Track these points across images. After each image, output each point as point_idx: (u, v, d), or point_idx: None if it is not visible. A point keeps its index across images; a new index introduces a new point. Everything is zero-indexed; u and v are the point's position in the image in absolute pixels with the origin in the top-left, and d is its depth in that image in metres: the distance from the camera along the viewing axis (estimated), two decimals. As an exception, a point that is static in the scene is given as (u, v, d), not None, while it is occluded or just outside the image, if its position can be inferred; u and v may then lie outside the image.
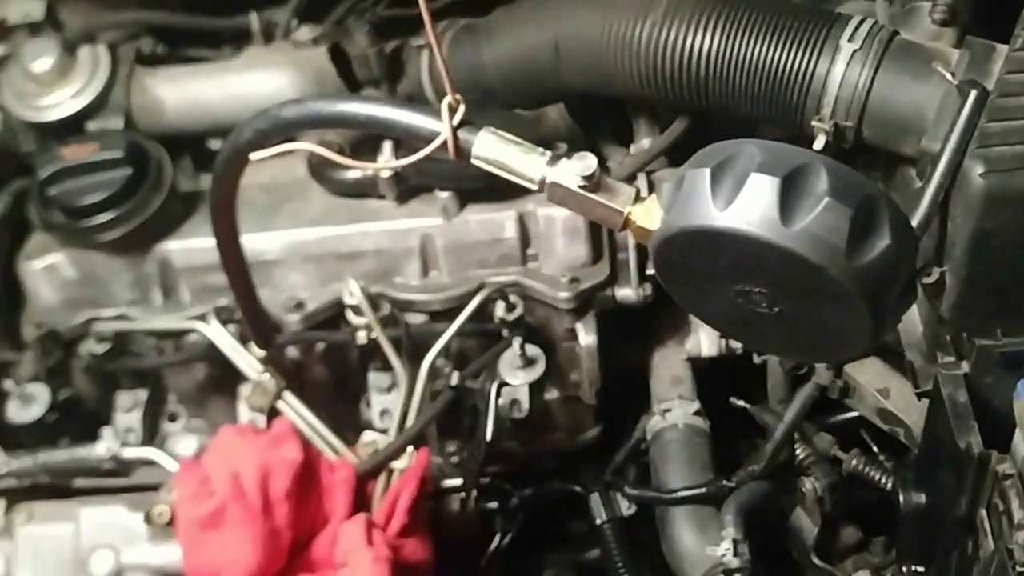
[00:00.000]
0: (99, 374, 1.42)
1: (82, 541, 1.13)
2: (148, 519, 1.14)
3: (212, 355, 1.38)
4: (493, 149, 0.78)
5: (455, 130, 0.77)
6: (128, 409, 1.42)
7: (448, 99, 0.77)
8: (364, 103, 0.80)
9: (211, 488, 1.13)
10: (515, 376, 1.27)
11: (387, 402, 1.39)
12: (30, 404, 1.30)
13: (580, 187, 0.75)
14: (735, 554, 1.16)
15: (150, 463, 1.21)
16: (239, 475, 1.13)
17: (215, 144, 1.53)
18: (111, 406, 1.43)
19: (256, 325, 1.21)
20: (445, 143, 0.78)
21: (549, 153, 0.77)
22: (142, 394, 1.43)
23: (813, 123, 1.22)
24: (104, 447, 1.17)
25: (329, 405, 1.41)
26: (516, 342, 1.25)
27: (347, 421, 1.41)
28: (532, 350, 1.27)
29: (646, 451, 1.47)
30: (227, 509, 1.11)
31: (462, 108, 0.77)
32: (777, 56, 1.23)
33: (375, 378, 1.40)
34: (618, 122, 1.55)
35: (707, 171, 0.70)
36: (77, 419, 1.40)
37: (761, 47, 1.24)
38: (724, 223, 0.68)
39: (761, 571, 1.19)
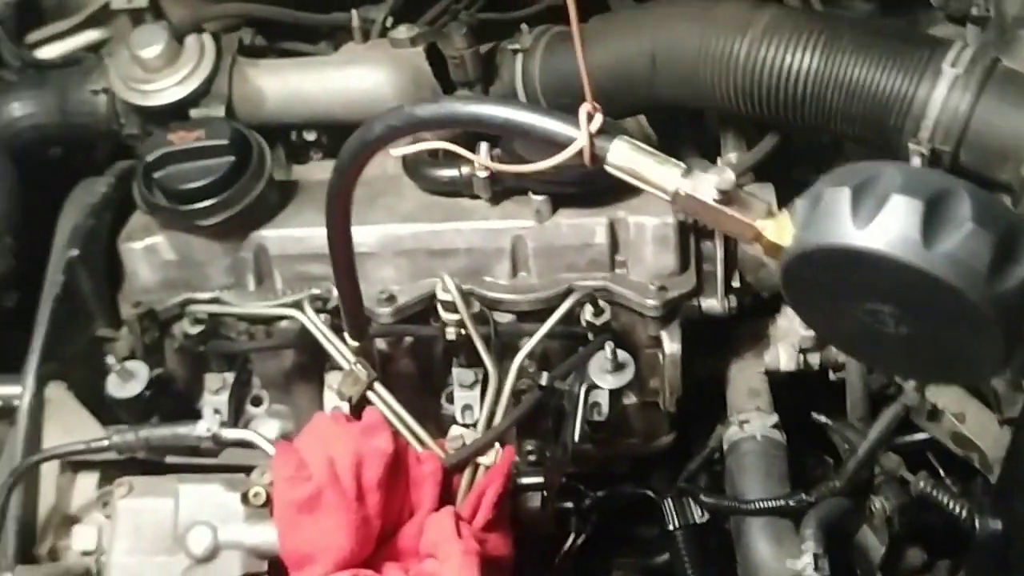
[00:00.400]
0: (190, 355, 1.46)
1: (180, 517, 1.16)
2: (245, 499, 1.16)
3: (302, 342, 1.41)
4: (627, 158, 0.80)
5: (592, 137, 0.79)
6: (216, 391, 1.46)
7: (586, 106, 0.79)
8: (502, 106, 0.82)
9: (307, 473, 1.16)
10: (604, 379, 1.29)
11: (470, 398, 1.42)
12: (129, 380, 1.33)
13: (715, 200, 0.77)
14: (815, 568, 1.18)
15: (246, 445, 1.23)
16: (334, 461, 1.15)
17: (310, 136, 1.57)
18: (199, 386, 1.48)
19: (354, 317, 1.23)
20: (581, 149, 0.80)
21: (683, 165, 0.79)
22: (229, 377, 1.47)
23: (909, 145, 1.24)
24: (204, 427, 1.20)
25: (410, 397, 1.43)
26: (608, 346, 1.27)
27: (427, 414, 1.44)
28: (622, 355, 1.29)
29: (719, 460, 1.49)
30: (323, 494, 1.13)
31: (599, 116, 0.79)
32: (877, 78, 1.25)
33: (459, 373, 1.42)
34: (697, 134, 1.57)
35: (847, 190, 0.72)
36: (167, 397, 1.44)
37: (861, 68, 1.26)
38: (863, 243, 0.70)
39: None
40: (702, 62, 1.36)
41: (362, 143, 0.92)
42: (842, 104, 1.27)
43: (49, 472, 1.28)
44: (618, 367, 1.29)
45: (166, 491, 1.18)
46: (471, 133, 1.31)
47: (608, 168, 0.80)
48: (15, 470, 1.21)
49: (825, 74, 1.27)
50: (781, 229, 0.76)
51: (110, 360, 1.34)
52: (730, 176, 0.75)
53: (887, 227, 0.70)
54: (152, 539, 1.16)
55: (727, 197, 0.76)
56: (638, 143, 0.80)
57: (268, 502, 1.18)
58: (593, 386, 1.28)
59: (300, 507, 1.14)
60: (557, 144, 0.81)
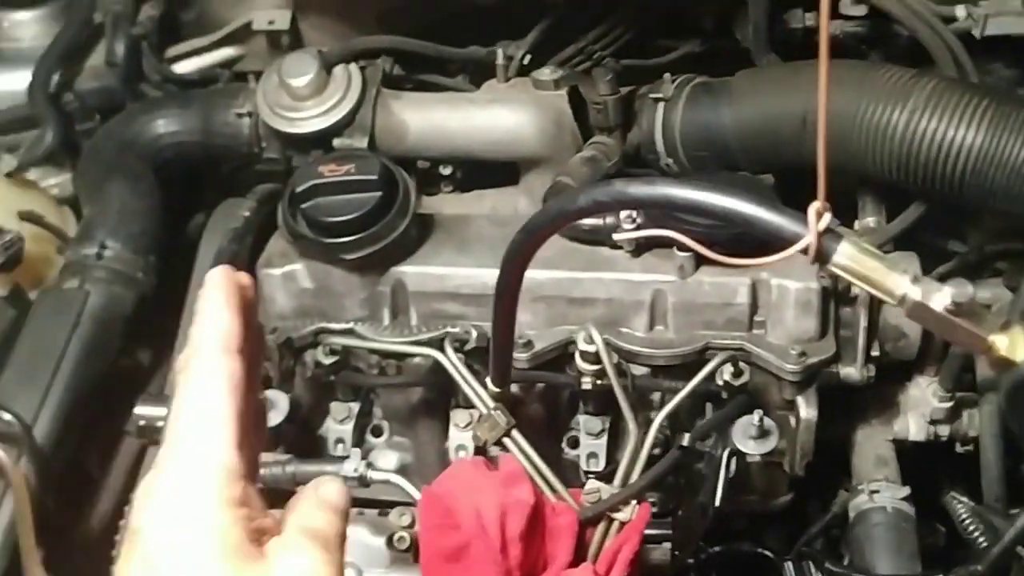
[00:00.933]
0: (318, 384, 1.46)
1: (325, 556, 1.17)
2: (389, 543, 1.17)
3: (433, 380, 1.42)
4: (854, 260, 0.80)
5: (820, 236, 0.79)
6: (341, 420, 1.46)
7: (816, 204, 0.79)
8: (723, 195, 0.82)
9: (454, 521, 1.16)
10: (747, 445, 1.28)
11: (596, 446, 1.42)
12: (271, 410, 1.34)
13: (947, 310, 0.76)
14: (954, 653, 1.17)
15: (390, 485, 1.24)
16: (481, 512, 1.16)
17: (445, 170, 1.58)
18: (322, 413, 1.48)
19: (503, 366, 1.24)
20: (806, 248, 0.80)
21: (911, 270, 0.79)
22: (355, 407, 1.47)
23: (1075, 231, 1.22)
24: (352, 467, 1.21)
25: (534, 443, 1.44)
26: (757, 415, 1.27)
27: (547, 458, 1.44)
28: (768, 423, 1.28)
29: (836, 525, 1.48)
30: (471, 545, 1.14)
31: (828, 215, 0.79)
32: (1043, 160, 1.24)
33: (587, 421, 1.42)
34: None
35: (1100, 319, 0.71)
36: (293, 423, 1.45)
37: (1026, 147, 1.24)
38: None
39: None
40: (857, 128, 1.35)
41: (561, 212, 0.92)
42: (1005, 182, 1.26)
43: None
44: (762, 434, 1.28)
45: (311, 529, 1.19)
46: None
47: (832, 268, 0.80)
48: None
49: (989, 151, 1.26)
50: (1015, 345, 0.75)
51: (254, 389, 1.34)
52: (968, 290, 0.75)
53: None
54: (295, 576, 1.17)
55: (959, 309, 0.76)
56: (865, 245, 0.80)
57: (412, 547, 1.19)
58: (736, 451, 1.27)
59: (448, 557, 1.15)
60: (781, 240, 0.81)
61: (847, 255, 0.80)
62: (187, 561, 0.66)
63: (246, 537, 0.68)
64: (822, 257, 0.80)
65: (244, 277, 0.79)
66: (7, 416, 1.23)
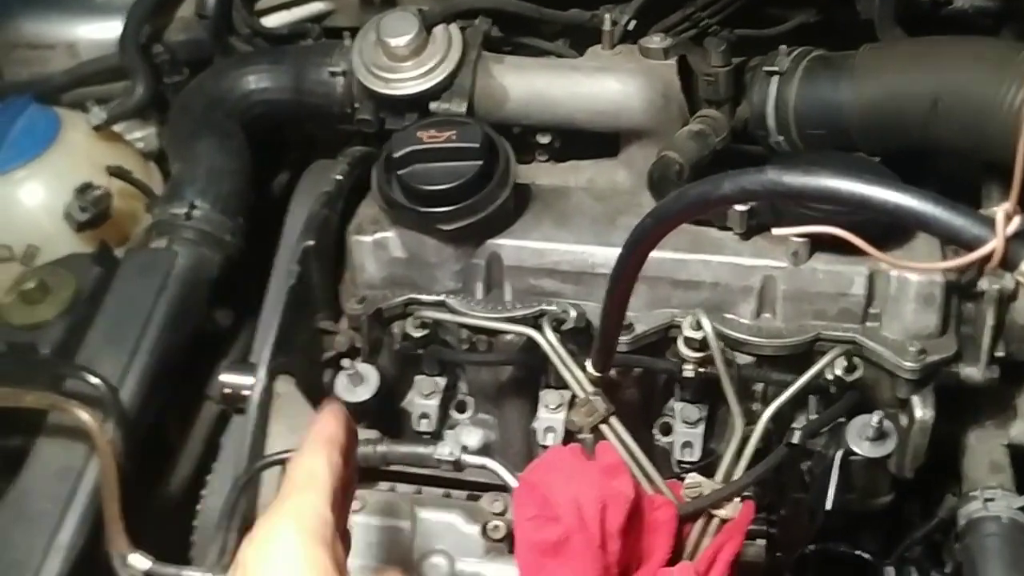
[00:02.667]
0: (404, 356, 1.41)
1: (416, 541, 1.13)
2: (483, 532, 1.12)
3: (523, 358, 1.36)
4: (1044, 268, 0.72)
5: (1008, 241, 0.71)
6: (427, 395, 1.42)
7: (1006, 206, 0.71)
8: (897, 191, 0.74)
9: (551, 512, 1.11)
10: (861, 447, 1.22)
11: (692, 435, 1.36)
12: (359, 384, 1.30)
13: None
14: None
15: (485, 470, 1.19)
16: (581, 505, 1.11)
17: (543, 138, 1.51)
18: (406, 385, 1.44)
19: (607, 350, 1.18)
20: (991, 252, 0.72)
21: (1105, 285, 0.71)
22: (441, 381, 1.42)
23: None
24: (447, 450, 1.16)
25: (628, 426, 1.38)
26: (876, 416, 1.20)
27: (639, 444, 1.38)
28: (887, 425, 1.21)
29: (939, 531, 1.41)
30: (571, 539, 1.09)
31: (1017, 219, 0.71)
32: None
33: (684, 409, 1.36)
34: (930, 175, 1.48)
35: None
36: (377, 396, 1.40)
37: None
38: None
39: None
40: (995, 112, 1.26)
41: (704, 198, 0.85)
42: None
43: (271, 470, 1.24)
44: (880, 436, 1.22)
45: (403, 513, 1.15)
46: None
47: (1018, 276, 0.73)
48: (248, 471, 1.18)
49: None
50: None
51: (344, 363, 1.30)
52: None
53: None
54: (387, 560, 1.13)
55: None
56: (1056, 254, 0.72)
57: (507, 537, 1.14)
58: (850, 452, 1.21)
59: (546, 550, 1.09)
60: (960, 242, 0.73)
61: (1036, 263, 0.72)
62: None
63: (336, 572, 0.78)
64: (1008, 263, 0.72)
65: (350, 423, 0.93)
66: (94, 379, 1.19)
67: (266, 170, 1.63)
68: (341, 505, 0.86)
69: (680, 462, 1.38)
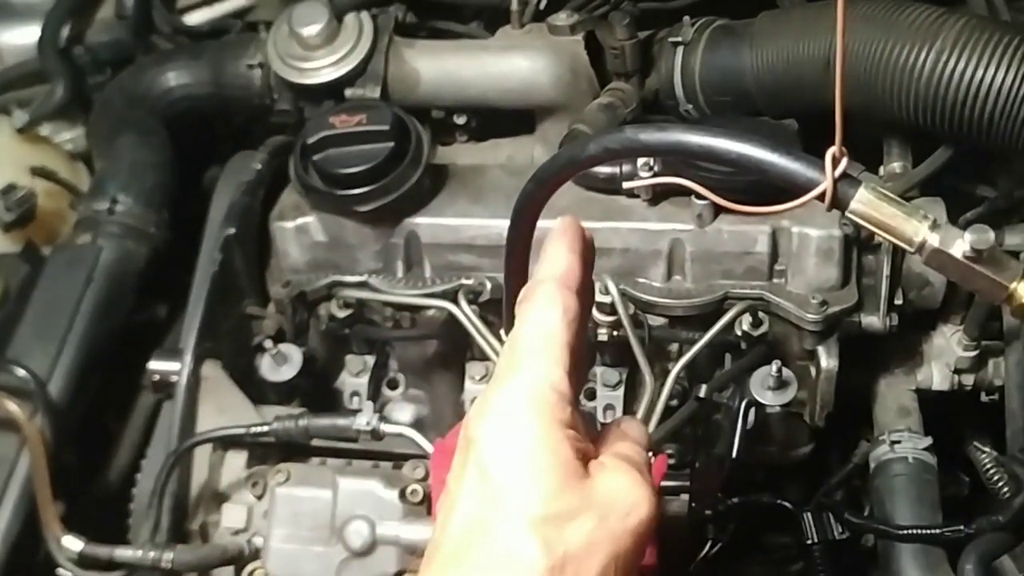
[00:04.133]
0: (333, 336, 1.46)
1: (338, 509, 1.17)
2: (402, 496, 1.17)
3: (448, 332, 1.40)
4: (872, 206, 0.77)
5: (836, 182, 0.76)
6: (356, 373, 1.46)
7: (834, 149, 0.76)
8: (736, 140, 0.79)
9: (466, 474, 1.15)
10: (764, 396, 1.27)
11: (612, 398, 1.41)
12: (283, 364, 1.34)
13: (966, 256, 0.74)
14: (976, 605, 1.15)
15: (403, 439, 1.23)
16: (493, 464, 1.15)
17: (459, 119, 1.55)
18: (337, 366, 1.48)
19: (514, 314, 1.22)
20: (822, 194, 0.77)
21: (931, 217, 0.76)
22: (370, 360, 1.47)
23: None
24: (364, 420, 1.20)
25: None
26: (775, 365, 1.25)
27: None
28: (786, 373, 1.26)
29: (858, 476, 1.46)
30: (484, 497, 1.13)
31: (845, 160, 0.76)
32: (1079, 98, 1.19)
33: (604, 373, 1.40)
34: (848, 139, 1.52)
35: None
36: (309, 377, 1.44)
37: (1061, 86, 1.20)
38: None
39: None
40: (882, 71, 1.31)
41: (572, 160, 0.89)
42: (1035, 123, 1.21)
43: (201, 450, 1.29)
44: (781, 384, 1.26)
45: (324, 481, 1.19)
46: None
47: (850, 215, 0.77)
48: (176, 450, 1.22)
49: (1019, 91, 1.22)
50: (1036, 293, 0.72)
51: (267, 343, 1.34)
52: (989, 236, 0.72)
53: None
54: (310, 528, 1.17)
55: (979, 256, 0.73)
56: (884, 191, 0.77)
57: (425, 500, 1.18)
58: (754, 402, 1.25)
59: (460, 509, 1.14)
60: (796, 186, 0.78)
61: (865, 201, 0.77)
62: (521, 472, 0.69)
63: (573, 456, 0.71)
64: (839, 204, 0.77)
65: (588, 233, 0.85)
66: (21, 372, 1.23)
67: (198, 165, 1.66)
68: (577, 369, 0.75)
69: (604, 425, 1.42)
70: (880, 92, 1.33)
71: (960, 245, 0.74)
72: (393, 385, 1.51)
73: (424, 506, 1.17)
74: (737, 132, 0.81)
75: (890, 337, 1.43)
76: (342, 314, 1.41)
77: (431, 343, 1.45)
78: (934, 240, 0.75)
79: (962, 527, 1.24)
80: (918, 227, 0.76)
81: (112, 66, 1.62)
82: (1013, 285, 0.73)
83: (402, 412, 1.50)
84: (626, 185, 0.89)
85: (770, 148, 0.79)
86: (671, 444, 1.43)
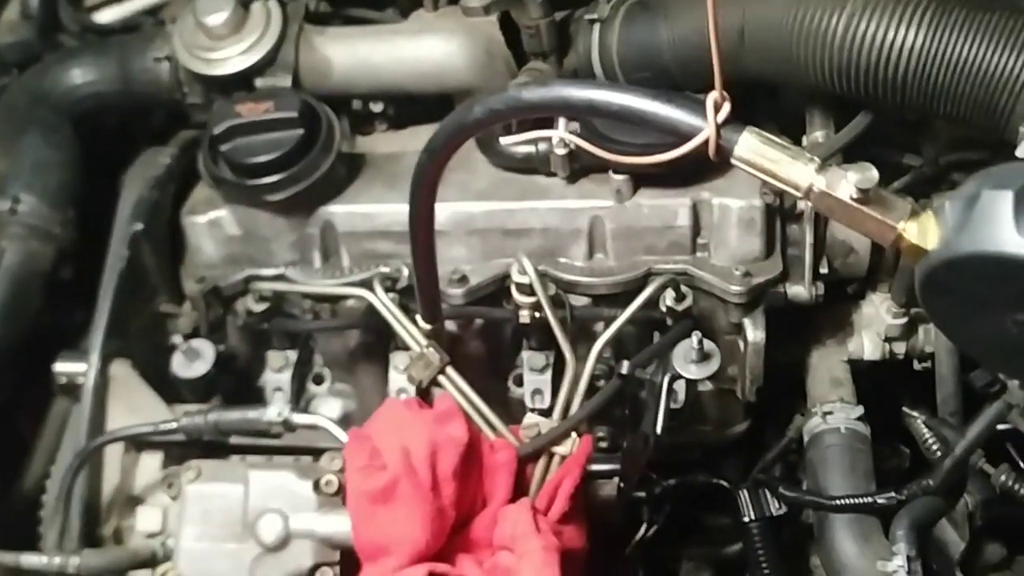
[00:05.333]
0: (253, 332, 1.42)
1: (251, 503, 1.13)
2: (317, 487, 1.13)
3: (368, 322, 1.37)
4: (756, 151, 0.74)
5: (719, 128, 0.74)
6: (278, 369, 1.42)
7: (714, 94, 0.73)
8: (619, 92, 0.76)
9: (381, 462, 1.12)
10: (688, 370, 1.24)
11: (540, 382, 1.38)
12: (195, 360, 1.30)
13: (853, 198, 0.71)
14: (908, 572, 1.13)
15: (316, 430, 1.20)
16: (409, 451, 1.12)
17: (376, 107, 1.52)
18: (260, 364, 1.44)
19: (429, 299, 1.19)
20: (706, 141, 0.74)
21: (817, 159, 0.74)
22: (292, 355, 1.43)
23: (1020, 129, 1.17)
24: (275, 411, 1.17)
25: (477, 380, 1.39)
26: (695, 336, 1.22)
27: (493, 397, 1.39)
28: (708, 345, 1.24)
29: (794, 451, 1.44)
30: (398, 485, 1.10)
31: (727, 106, 0.73)
32: (987, 56, 1.18)
33: (530, 357, 1.38)
34: (774, 109, 1.51)
35: (1010, 193, 0.66)
36: (229, 375, 1.41)
37: (970, 46, 1.18)
38: (1027, 252, 0.64)
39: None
40: (795, 37, 1.29)
41: (459, 125, 0.87)
42: (948, 83, 1.19)
43: (113, 452, 1.25)
44: (703, 357, 1.24)
45: (236, 476, 1.16)
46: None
47: (735, 162, 0.75)
48: (82, 451, 1.18)
49: (931, 51, 1.20)
50: (924, 231, 0.70)
51: (176, 339, 1.30)
52: (873, 174, 0.69)
53: (1057, 235, 0.64)
54: (221, 525, 1.14)
55: (866, 196, 0.71)
56: (769, 135, 0.74)
57: (340, 491, 1.15)
58: (676, 376, 1.23)
59: (375, 498, 1.11)
60: (679, 135, 0.75)
61: (749, 146, 0.75)
62: None
63: None
64: (723, 150, 0.74)
65: None
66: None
67: (117, 167, 1.62)
68: None
69: (533, 410, 1.39)
70: (797, 60, 1.31)
71: (846, 187, 0.72)
72: (319, 380, 1.48)
73: (339, 497, 1.13)
74: (622, 86, 0.78)
75: (819, 309, 1.41)
76: (259, 308, 1.37)
77: (353, 335, 1.42)
78: (820, 183, 0.73)
79: (894, 493, 1.22)
80: (804, 169, 0.73)
81: (19, 67, 1.57)
82: (901, 225, 0.71)
83: (329, 407, 1.47)
84: (503, 140, 0.86)
85: (651, 97, 0.76)
86: (602, 427, 1.41)
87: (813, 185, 0.73)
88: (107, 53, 1.51)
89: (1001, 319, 0.70)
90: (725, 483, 1.42)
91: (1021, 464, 1.41)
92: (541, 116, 0.82)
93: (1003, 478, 1.30)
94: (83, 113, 1.50)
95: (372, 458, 1.12)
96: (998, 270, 0.67)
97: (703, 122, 0.75)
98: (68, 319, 1.45)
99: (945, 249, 0.69)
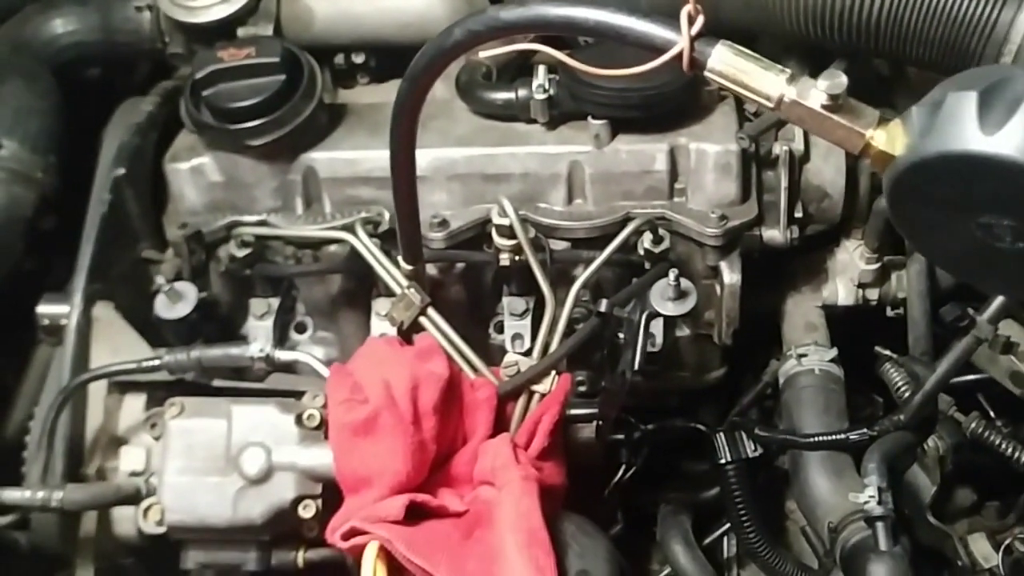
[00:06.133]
0: (236, 278, 1.43)
1: (233, 438, 1.15)
2: (299, 421, 1.14)
3: (350, 267, 1.38)
4: (729, 63, 0.76)
5: (693, 40, 0.75)
6: (260, 315, 1.43)
7: (688, 7, 0.75)
8: (595, 9, 0.78)
9: (362, 395, 1.14)
10: (665, 307, 1.26)
11: (520, 327, 1.39)
12: (178, 301, 1.31)
13: (823, 107, 0.73)
14: (879, 502, 1.15)
15: (297, 367, 1.21)
16: (390, 385, 1.13)
17: (358, 58, 1.53)
18: (243, 311, 1.45)
19: (410, 238, 1.20)
20: (680, 54, 0.76)
21: (788, 70, 0.75)
22: (275, 302, 1.44)
23: (991, 72, 1.19)
24: (257, 347, 1.18)
25: (458, 326, 1.40)
26: (672, 273, 1.24)
27: (475, 343, 1.41)
28: (684, 283, 1.26)
29: (771, 395, 1.46)
30: (379, 418, 1.11)
31: (701, 18, 0.75)
32: (959, 0, 1.20)
33: (510, 302, 1.39)
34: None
35: (974, 94, 0.68)
36: (212, 322, 1.41)
37: (942, -10, 1.20)
38: (991, 149, 0.66)
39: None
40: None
41: (439, 49, 0.88)
42: (919, 27, 1.22)
43: (97, 393, 1.26)
44: (680, 295, 1.26)
45: (219, 412, 1.17)
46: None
47: (708, 75, 0.76)
48: (65, 388, 1.19)
49: (903, -7, 1.22)
50: (892, 138, 0.72)
51: (159, 281, 1.31)
52: (843, 80, 0.71)
53: (1018, 133, 0.66)
54: (205, 459, 1.15)
55: (836, 104, 0.72)
56: (741, 48, 0.76)
57: (322, 424, 1.16)
58: (654, 314, 1.25)
59: (356, 430, 1.12)
60: (654, 49, 0.77)
61: (722, 58, 0.76)
62: None
63: None
64: (696, 63, 0.76)
65: None
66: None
67: (99, 119, 1.62)
68: None
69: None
70: (770, 7, 1.33)
71: (816, 95, 0.73)
72: (301, 328, 1.49)
73: (322, 431, 1.15)
74: (597, 4, 0.80)
75: (794, 256, 1.43)
76: (242, 253, 1.38)
77: (335, 281, 1.43)
78: (791, 93, 0.75)
79: (866, 430, 1.24)
80: (775, 80, 0.75)
81: (1, 20, 1.57)
82: (869, 132, 0.73)
83: (313, 354, 1.47)
84: (482, 55, 0.87)
85: (626, 14, 0.78)
86: (581, 372, 1.42)
87: (784, 95, 0.75)
88: (88, 3, 1.51)
89: (966, 223, 0.72)
90: (702, 427, 1.44)
91: (991, 412, 1.44)
92: (519, 44, 0.82)
93: (973, 425, 1.33)
94: (65, 63, 1.50)
95: (353, 392, 1.14)
96: (963, 170, 0.69)
97: (677, 36, 0.76)
98: (52, 272, 1.46)
99: (911, 153, 0.71)
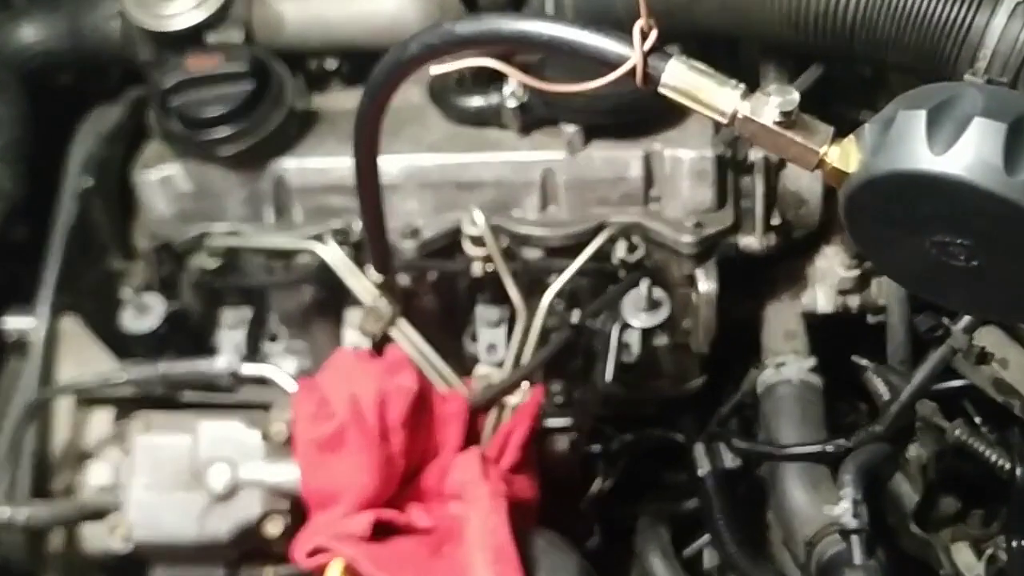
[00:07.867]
0: (206, 289, 1.41)
1: (199, 453, 1.13)
2: (266, 436, 1.13)
3: (322, 277, 1.37)
4: (683, 79, 0.74)
5: (646, 56, 0.74)
6: (232, 326, 1.42)
7: (641, 23, 0.73)
8: (549, 23, 0.76)
9: (330, 410, 1.12)
10: (638, 318, 1.24)
11: (494, 336, 1.38)
12: (145, 314, 1.30)
13: (776, 123, 0.71)
14: (854, 515, 1.14)
15: (266, 381, 1.19)
16: (358, 399, 1.12)
17: (330, 64, 1.51)
18: (215, 322, 1.44)
19: (379, 248, 1.19)
20: (633, 69, 0.74)
21: (743, 86, 0.74)
22: (247, 312, 1.43)
23: (966, 77, 1.17)
24: (224, 361, 1.16)
25: (432, 336, 1.39)
26: (644, 284, 1.23)
27: (449, 353, 1.40)
28: (657, 293, 1.24)
29: (751, 405, 1.45)
30: (346, 432, 1.10)
31: (654, 34, 0.73)
32: (932, 3, 1.18)
33: (483, 311, 1.38)
34: (732, 65, 1.50)
35: (923, 113, 0.67)
36: (182, 333, 1.40)
37: (916, -7, 1.19)
38: (940, 168, 0.65)
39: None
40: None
41: (396, 63, 0.86)
42: (895, 32, 1.20)
43: (64, 407, 1.24)
44: (653, 305, 1.24)
45: (185, 427, 1.16)
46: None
47: (662, 90, 0.75)
48: (31, 403, 1.18)
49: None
50: (846, 155, 0.70)
51: (126, 293, 1.29)
52: (794, 97, 0.70)
53: (967, 152, 0.64)
54: (171, 475, 1.14)
55: (789, 120, 0.71)
56: (695, 63, 0.74)
57: (290, 440, 1.15)
58: (626, 325, 1.23)
59: (323, 445, 1.11)
60: (607, 64, 0.75)
61: (675, 75, 0.75)
62: None
63: None
64: (650, 78, 0.74)
65: None
66: None
67: (70, 127, 1.60)
68: None
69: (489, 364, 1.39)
70: (746, 11, 1.31)
71: (769, 112, 0.72)
72: (274, 339, 1.48)
73: (288, 446, 1.14)
74: (552, 17, 0.78)
75: (774, 263, 1.42)
76: (212, 264, 1.37)
77: (307, 291, 1.41)
78: (745, 109, 0.73)
79: (842, 441, 1.23)
80: (730, 96, 0.73)
81: (-32, 27, 1.55)
82: (823, 149, 0.71)
83: (284, 365, 1.45)
84: (432, 70, 0.85)
85: (579, 27, 0.76)
86: (556, 383, 1.41)
87: (737, 111, 0.73)
88: (57, 10, 1.49)
89: (921, 240, 0.70)
90: (681, 438, 1.43)
91: (976, 419, 1.42)
92: (478, 59, 0.81)
93: (957, 432, 1.31)
94: (34, 71, 1.48)
95: (320, 406, 1.12)
96: (913, 189, 0.67)
97: (630, 51, 0.75)
98: (22, 283, 1.44)
99: (863, 171, 0.69)
